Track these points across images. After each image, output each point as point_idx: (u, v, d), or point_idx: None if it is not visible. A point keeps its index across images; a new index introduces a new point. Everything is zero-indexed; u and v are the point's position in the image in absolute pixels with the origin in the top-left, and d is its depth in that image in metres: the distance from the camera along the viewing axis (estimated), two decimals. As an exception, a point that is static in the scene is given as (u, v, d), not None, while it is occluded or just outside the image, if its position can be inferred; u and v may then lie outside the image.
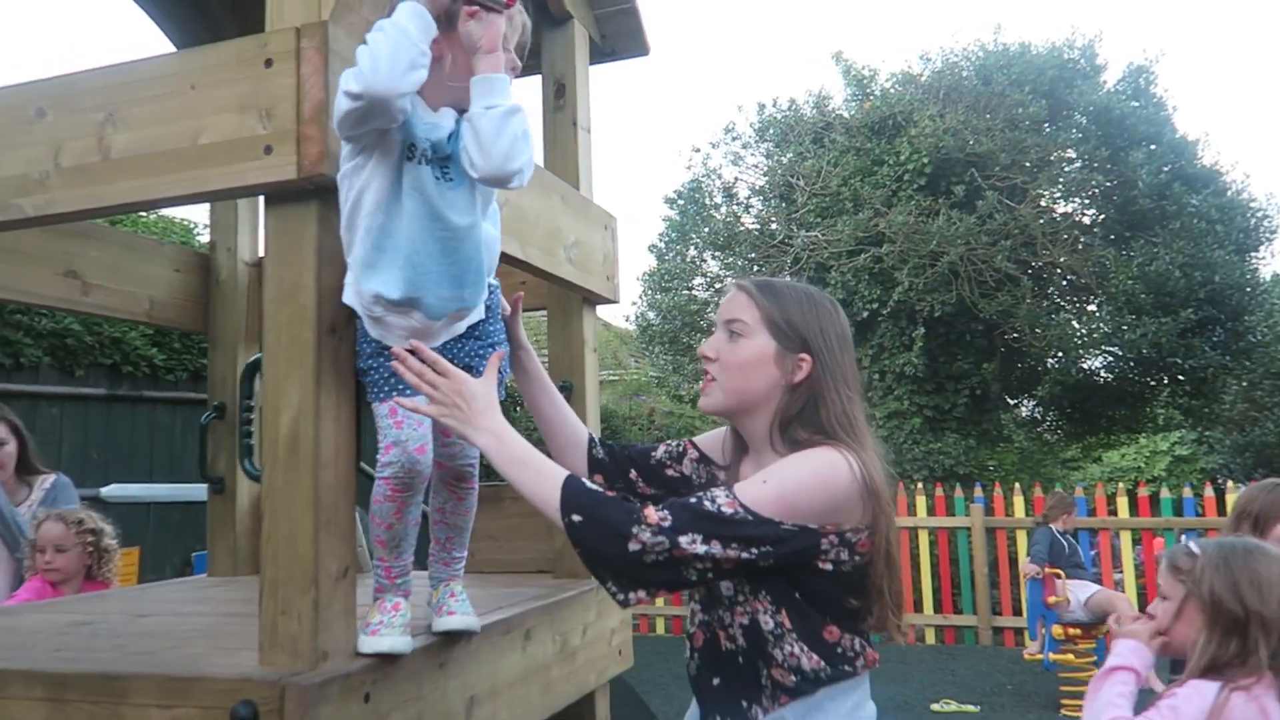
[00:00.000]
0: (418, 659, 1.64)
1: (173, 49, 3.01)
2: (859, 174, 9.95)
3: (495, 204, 1.73)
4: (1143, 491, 7.62)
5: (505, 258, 2.17)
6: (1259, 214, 10.26)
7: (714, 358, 1.53)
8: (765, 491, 1.36)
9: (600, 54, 3.00)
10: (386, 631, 1.56)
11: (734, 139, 11.19)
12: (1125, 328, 9.33)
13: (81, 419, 5.36)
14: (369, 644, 1.54)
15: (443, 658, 1.72)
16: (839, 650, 1.41)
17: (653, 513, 1.34)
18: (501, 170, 1.48)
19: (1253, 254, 10.25)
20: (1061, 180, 10.05)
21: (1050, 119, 10.06)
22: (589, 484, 1.44)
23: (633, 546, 1.32)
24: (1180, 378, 10.34)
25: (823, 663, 1.39)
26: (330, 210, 1.55)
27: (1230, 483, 7.85)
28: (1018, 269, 9.39)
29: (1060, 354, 10.28)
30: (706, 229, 10.85)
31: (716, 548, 1.32)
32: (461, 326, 1.62)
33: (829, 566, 1.38)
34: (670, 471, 1.70)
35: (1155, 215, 9.71)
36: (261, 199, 1.62)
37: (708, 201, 11.12)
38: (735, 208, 11.12)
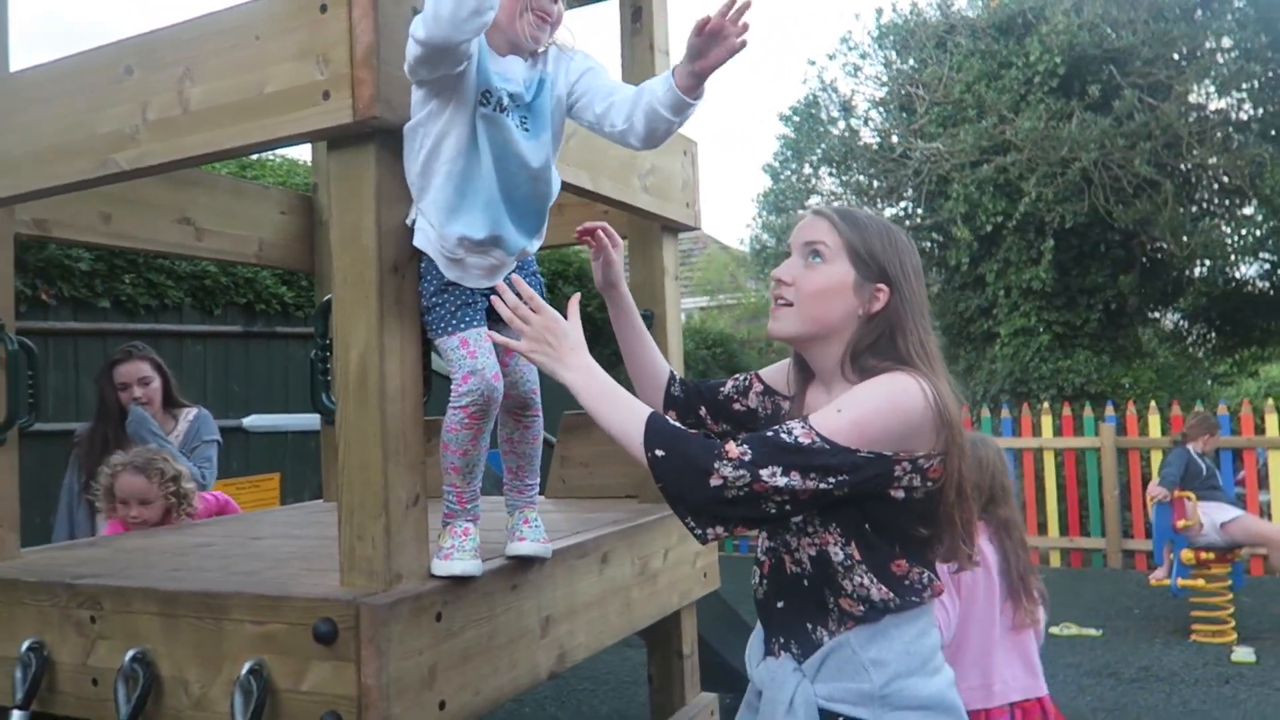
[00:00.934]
0: (490, 580, 1.72)
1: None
2: (984, 78, 9.41)
3: None
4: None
5: (577, 190, 2.19)
6: None
7: (790, 282, 1.50)
8: (840, 420, 1.35)
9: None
10: (459, 555, 1.64)
11: (851, 49, 10.74)
12: (1283, 231, 8.61)
13: (221, 355, 5.73)
14: (442, 567, 1.63)
15: (516, 580, 1.80)
16: (906, 582, 1.42)
17: (733, 447, 1.35)
18: (648, 145, 1.64)
19: None
20: (1213, 73, 9.23)
21: (1203, 4, 9.22)
22: (672, 421, 1.45)
23: (714, 482, 1.34)
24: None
25: (891, 593, 1.41)
26: (387, 152, 1.60)
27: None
28: (1159, 173, 8.74)
29: (1208, 262, 9.60)
30: (823, 145, 10.52)
31: (796, 479, 1.33)
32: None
33: (900, 494, 1.38)
34: (737, 405, 1.72)
35: (1323, 105, 8.84)
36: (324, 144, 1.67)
37: (824, 116, 10.75)
38: (853, 121, 10.72)
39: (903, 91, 10.21)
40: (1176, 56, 8.98)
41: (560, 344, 1.49)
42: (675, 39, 2.82)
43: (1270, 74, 9.03)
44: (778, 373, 1.70)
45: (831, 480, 1.33)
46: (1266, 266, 9.88)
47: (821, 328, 1.49)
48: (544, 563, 1.87)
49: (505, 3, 1.55)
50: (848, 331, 1.48)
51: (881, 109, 10.72)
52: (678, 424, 1.46)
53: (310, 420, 5.94)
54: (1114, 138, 8.58)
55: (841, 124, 10.69)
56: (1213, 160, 8.81)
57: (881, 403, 1.37)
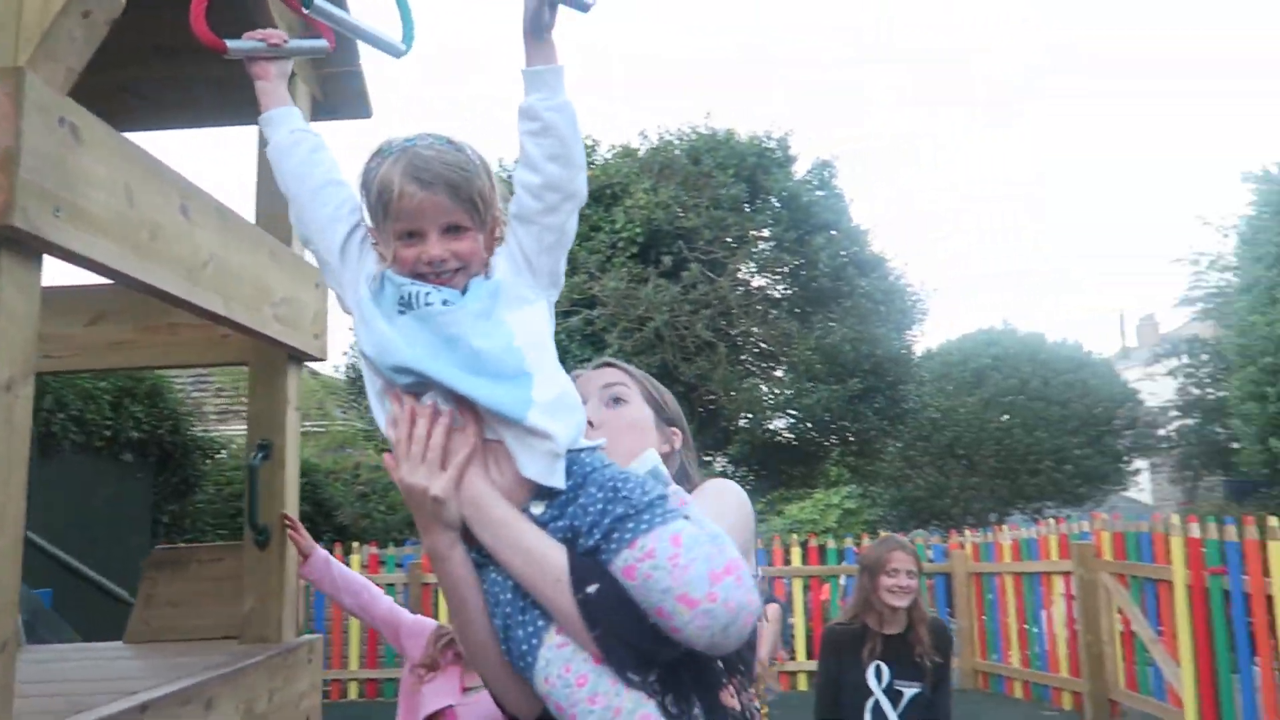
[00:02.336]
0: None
1: None
2: (577, 239, 10.31)
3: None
4: (813, 542, 8.47)
5: (207, 314, 2.15)
6: (914, 298, 11.88)
7: (598, 425, 1.45)
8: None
9: (322, 110, 3.04)
10: None
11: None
12: (804, 393, 10.40)
13: None
14: None
15: (117, 729, 1.65)
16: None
17: None
18: (557, 162, 1.30)
19: (908, 331, 11.82)
20: (756, 257, 11.08)
21: (750, 201, 11.10)
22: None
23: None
24: (849, 438, 11.64)
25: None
26: (16, 264, 1.49)
27: (882, 532, 8.90)
28: (715, 336, 10.20)
29: (750, 415, 11.23)
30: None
31: None
32: None
33: None
34: None
35: (832, 294, 10.96)
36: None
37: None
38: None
39: (503, 239, 10.92)
40: (730, 239, 10.65)
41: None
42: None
43: (798, 263, 11.04)
44: None
45: None
46: (793, 421, 11.77)
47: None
48: (144, 710, 1.74)
49: None
50: None
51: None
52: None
53: None
54: (681, 303, 9.89)
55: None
56: (755, 329, 10.47)
57: (735, 515, 1.36)
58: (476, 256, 1.28)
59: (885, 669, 3.27)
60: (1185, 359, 17.40)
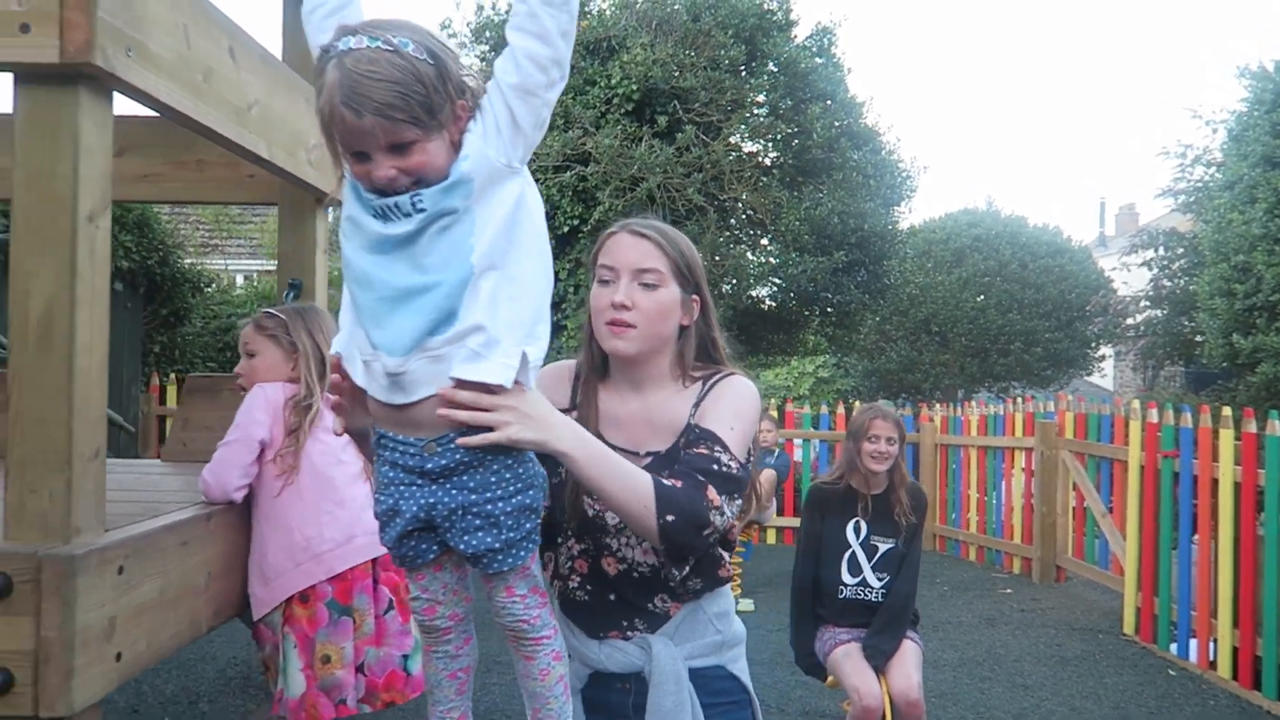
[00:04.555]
0: (165, 535, 1.74)
1: None
2: (571, 91, 10.20)
3: None
4: (789, 408, 8.78)
5: (252, 155, 2.21)
6: (904, 174, 11.86)
7: (630, 307, 1.52)
8: (735, 437, 1.49)
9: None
10: None
11: (450, 36, 10.98)
12: (790, 263, 10.50)
13: None
14: None
15: (186, 535, 1.83)
16: (729, 540, 1.61)
17: (714, 494, 1.41)
18: (550, 46, 1.27)
19: (896, 207, 11.86)
20: (750, 123, 10.95)
21: (747, 64, 10.88)
22: (663, 480, 1.42)
23: (706, 532, 1.41)
24: (829, 310, 11.84)
25: (727, 554, 1.62)
26: (95, 101, 1.56)
27: (857, 402, 9.22)
28: (706, 200, 10.20)
29: (735, 281, 11.36)
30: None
31: (735, 504, 1.46)
32: None
33: None
34: None
35: (824, 165, 10.91)
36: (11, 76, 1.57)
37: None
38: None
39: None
40: (725, 103, 10.50)
41: (538, 415, 1.31)
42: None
43: (792, 130, 10.94)
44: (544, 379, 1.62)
45: (739, 496, 1.47)
46: (775, 289, 11.92)
47: (659, 343, 1.56)
48: (209, 519, 1.91)
49: None
50: (673, 341, 1.59)
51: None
52: (668, 481, 1.42)
53: None
54: (675, 165, 9.83)
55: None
56: (745, 195, 10.46)
57: (750, 414, 1.54)
58: (430, 164, 1.23)
59: (864, 525, 3.53)
60: (1162, 250, 17.60)
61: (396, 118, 1.18)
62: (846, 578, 3.51)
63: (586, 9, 11.11)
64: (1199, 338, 16.29)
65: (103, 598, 1.54)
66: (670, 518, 1.36)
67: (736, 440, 1.49)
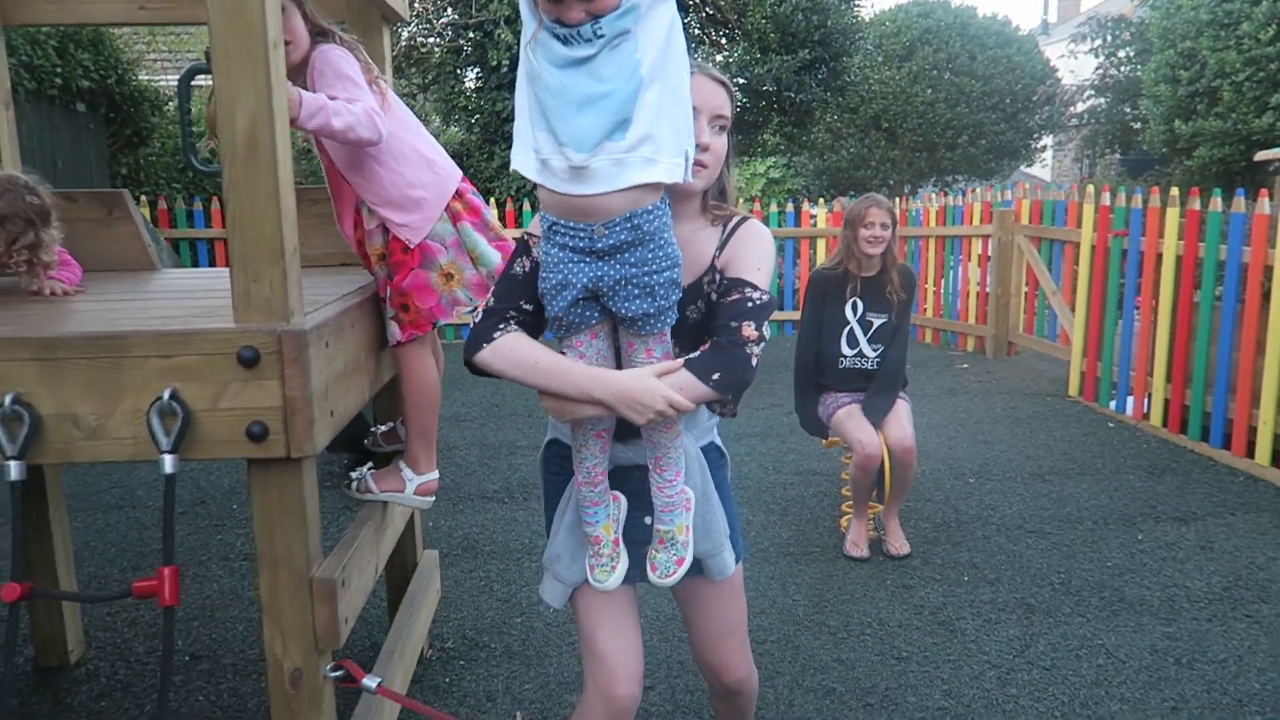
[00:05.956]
0: (343, 318, 2.09)
1: None
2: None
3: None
4: (756, 207, 9.11)
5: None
6: (865, -35, 11.73)
7: (708, 148, 1.78)
8: (762, 276, 1.76)
9: None
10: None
11: None
12: (755, 62, 10.54)
13: None
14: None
15: (353, 319, 2.18)
16: None
17: (750, 329, 1.69)
18: None
19: (857, 2, 11.80)
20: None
21: None
22: (699, 353, 1.71)
23: (754, 362, 1.70)
24: (788, 109, 11.97)
25: None
26: (272, -64, 1.76)
27: (806, 202, 9.58)
28: (669, -2, 10.06)
29: (697, 83, 11.38)
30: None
31: (765, 331, 1.72)
32: None
33: None
34: (531, 272, 1.82)
35: (787, -43, 10.76)
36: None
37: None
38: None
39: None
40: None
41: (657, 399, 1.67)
42: None
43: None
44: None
45: (767, 324, 1.73)
46: (738, 89, 11.98)
47: (714, 182, 1.84)
48: (361, 305, 2.26)
49: None
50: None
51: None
52: (700, 351, 1.71)
53: None
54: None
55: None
56: (710, -8, 10.35)
57: (770, 255, 1.81)
58: (609, 2, 1.51)
59: (860, 303, 4.00)
60: (1110, 38, 17.74)
61: None
62: (845, 349, 4.01)
63: None
64: (1139, 125, 16.76)
65: (320, 366, 1.89)
66: (716, 376, 1.67)
67: (764, 278, 1.76)
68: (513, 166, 1.71)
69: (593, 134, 1.58)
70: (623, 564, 1.86)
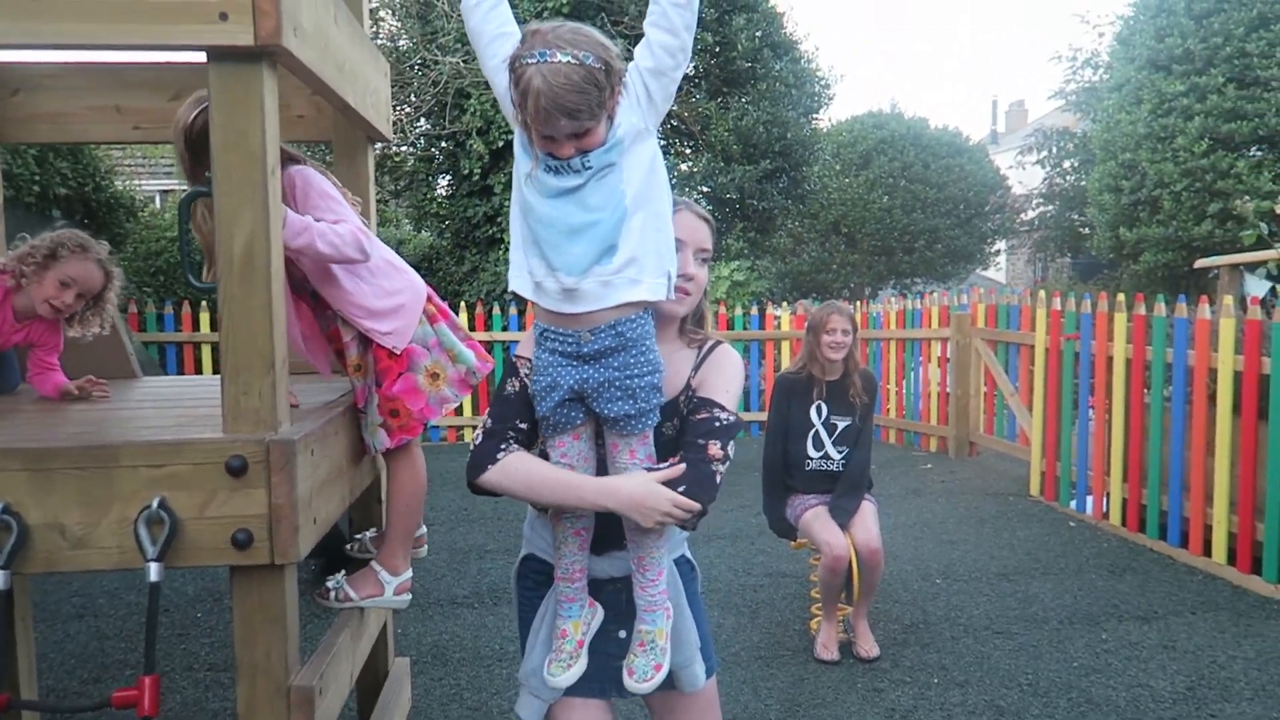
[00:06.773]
0: (327, 427, 2.16)
1: None
2: (515, 5, 10.25)
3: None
4: (721, 310, 9.32)
5: (339, 102, 2.54)
6: (823, 81, 12.33)
7: (692, 277, 1.92)
8: (730, 399, 1.88)
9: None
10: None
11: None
12: (719, 172, 10.94)
13: None
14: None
15: (336, 428, 2.25)
16: None
17: (716, 450, 1.80)
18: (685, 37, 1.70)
19: (815, 116, 12.36)
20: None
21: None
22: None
23: (718, 480, 1.80)
24: (750, 216, 12.38)
25: None
26: (273, 72, 1.90)
27: (770, 304, 9.84)
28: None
29: (664, 191, 11.77)
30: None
31: (730, 451, 1.83)
32: None
33: None
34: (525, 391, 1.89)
35: (748, 76, 11.29)
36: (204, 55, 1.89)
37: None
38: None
39: (419, 1, 10.64)
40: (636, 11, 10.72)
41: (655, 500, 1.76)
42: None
43: (718, 41, 11.23)
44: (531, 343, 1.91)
45: (732, 444, 1.84)
46: (701, 198, 12.38)
47: (694, 308, 1.98)
48: (343, 415, 2.33)
49: None
50: None
51: (392, 12, 11.03)
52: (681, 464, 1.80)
53: None
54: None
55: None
56: (676, 108, 10.78)
57: (739, 378, 1.94)
58: (597, 140, 1.65)
59: (825, 406, 4.12)
60: (1055, 149, 18.62)
61: (582, 119, 1.60)
62: (811, 452, 4.11)
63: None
64: (1087, 230, 17.47)
65: (305, 474, 1.95)
66: (681, 489, 1.76)
67: (731, 400, 1.88)
68: (510, 287, 1.84)
69: (583, 260, 1.71)
70: (580, 666, 1.88)
